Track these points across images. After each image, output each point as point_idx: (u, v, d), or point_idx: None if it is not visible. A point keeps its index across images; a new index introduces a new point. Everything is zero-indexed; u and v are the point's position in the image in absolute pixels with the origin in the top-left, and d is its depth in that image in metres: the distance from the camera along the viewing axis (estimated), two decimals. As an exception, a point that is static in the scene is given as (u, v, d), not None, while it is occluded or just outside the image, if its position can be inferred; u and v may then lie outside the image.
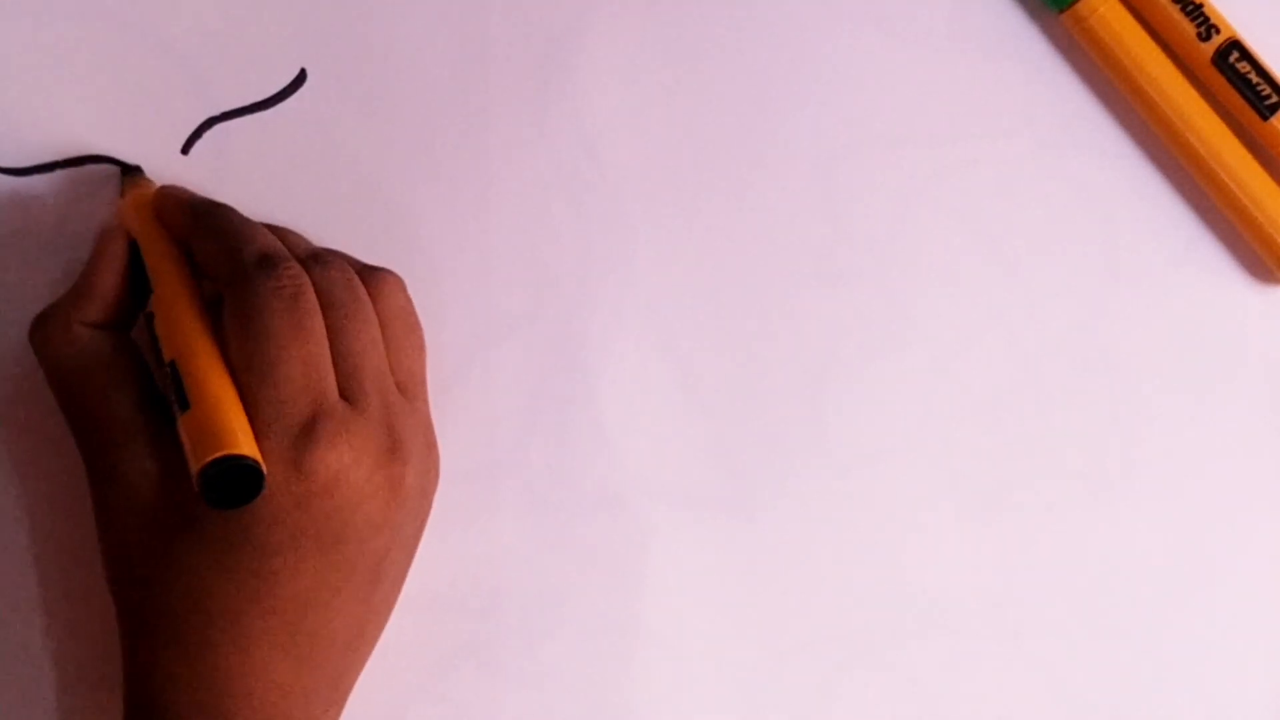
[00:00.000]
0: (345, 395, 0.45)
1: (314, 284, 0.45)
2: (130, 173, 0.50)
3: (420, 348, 0.48)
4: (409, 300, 0.48)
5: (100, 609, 0.49)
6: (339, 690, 0.47)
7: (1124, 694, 0.52)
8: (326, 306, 0.45)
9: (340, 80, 0.52)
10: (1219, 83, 0.52)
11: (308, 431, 0.43)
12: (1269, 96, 0.51)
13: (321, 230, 0.51)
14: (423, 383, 0.49)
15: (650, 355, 0.52)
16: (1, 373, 0.50)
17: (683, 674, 0.51)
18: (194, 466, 0.41)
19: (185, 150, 0.51)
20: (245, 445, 0.42)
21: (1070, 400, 0.52)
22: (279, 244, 0.46)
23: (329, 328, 0.45)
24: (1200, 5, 0.51)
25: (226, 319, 0.44)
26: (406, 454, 0.45)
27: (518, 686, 0.50)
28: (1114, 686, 0.52)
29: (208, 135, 0.51)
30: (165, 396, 0.45)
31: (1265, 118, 0.51)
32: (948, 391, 0.52)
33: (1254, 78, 0.51)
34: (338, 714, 0.48)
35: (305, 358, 0.44)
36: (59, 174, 0.51)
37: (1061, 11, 0.52)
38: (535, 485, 0.51)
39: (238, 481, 0.41)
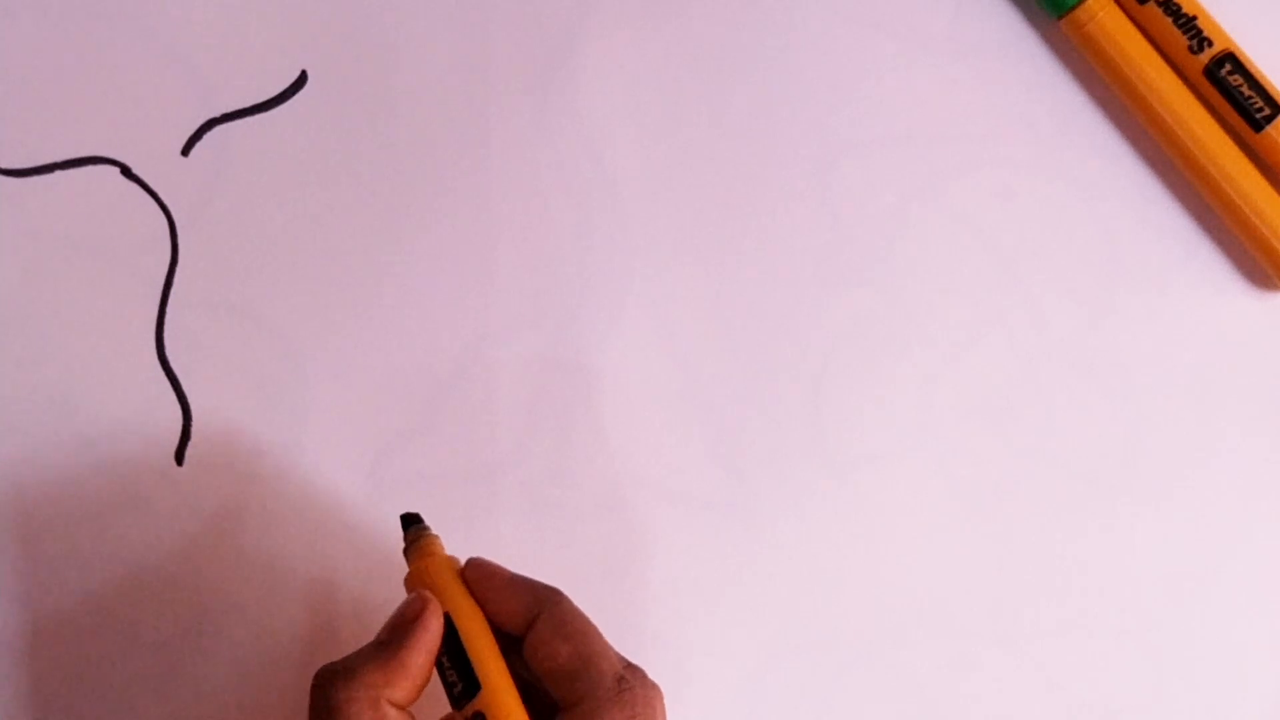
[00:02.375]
0: None
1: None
2: (412, 525, 0.46)
3: None
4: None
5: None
6: None
7: (1124, 695, 0.52)
8: None
9: (341, 82, 0.52)
10: (1212, 94, 0.52)
11: None
12: (1260, 109, 0.52)
13: (322, 231, 0.51)
14: None
15: (650, 355, 0.53)
16: (6, 376, 0.50)
17: (683, 674, 0.52)
18: None
19: (186, 151, 0.51)
20: None
21: (1070, 404, 0.53)
22: (620, 656, 0.44)
23: None
24: (1194, 18, 0.52)
25: None
26: None
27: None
28: (1114, 687, 0.52)
29: (208, 136, 0.51)
30: None
31: (1258, 130, 0.52)
32: (947, 393, 0.53)
33: (1245, 90, 0.52)
34: None
35: None
36: (60, 175, 0.51)
37: (1060, 17, 0.52)
38: (535, 485, 0.52)
39: None
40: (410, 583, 0.45)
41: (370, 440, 0.51)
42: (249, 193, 0.51)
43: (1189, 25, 0.52)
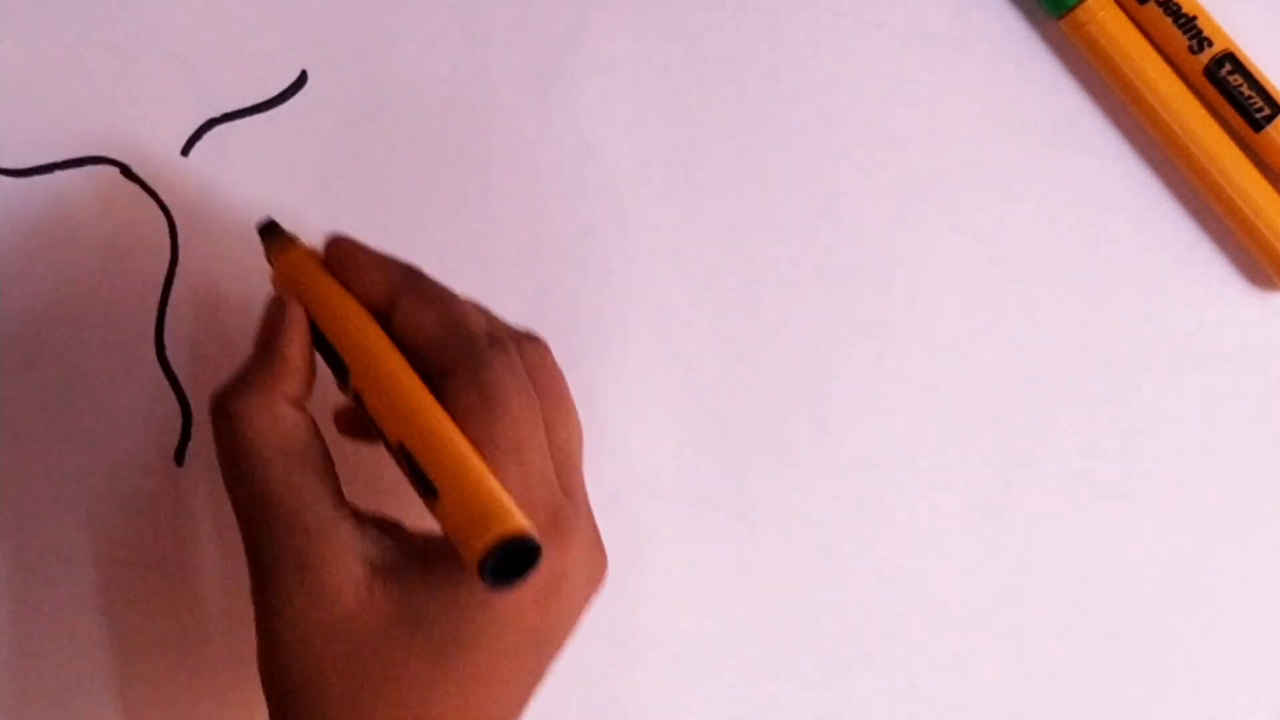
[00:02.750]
0: (560, 487, 0.42)
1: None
2: (272, 231, 0.45)
3: (581, 434, 0.45)
4: (562, 375, 0.45)
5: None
6: None
7: (1124, 695, 0.53)
8: (537, 391, 0.42)
9: (341, 82, 0.52)
10: (1212, 93, 0.52)
11: (552, 526, 0.40)
12: (1260, 109, 0.52)
13: (321, 231, 0.51)
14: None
15: (650, 355, 0.53)
16: (5, 375, 0.50)
17: (682, 675, 0.52)
18: (469, 552, 0.37)
19: (186, 151, 0.51)
20: (521, 521, 0.38)
21: (1070, 405, 0.53)
22: (492, 318, 0.43)
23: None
24: (1194, 18, 0.52)
25: (459, 397, 0.40)
26: (605, 555, 0.43)
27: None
28: (1114, 688, 0.52)
29: (208, 136, 0.51)
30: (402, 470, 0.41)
31: (1257, 130, 0.52)
32: (947, 394, 0.53)
33: (1245, 90, 0.52)
34: None
35: (543, 445, 0.41)
36: (60, 175, 0.51)
37: (1060, 17, 0.53)
38: (536, 485, 0.52)
39: (509, 557, 0.37)
40: (275, 285, 0.44)
41: (370, 440, 0.51)
42: (249, 192, 0.51)
43: (1189, 25, 0.52)
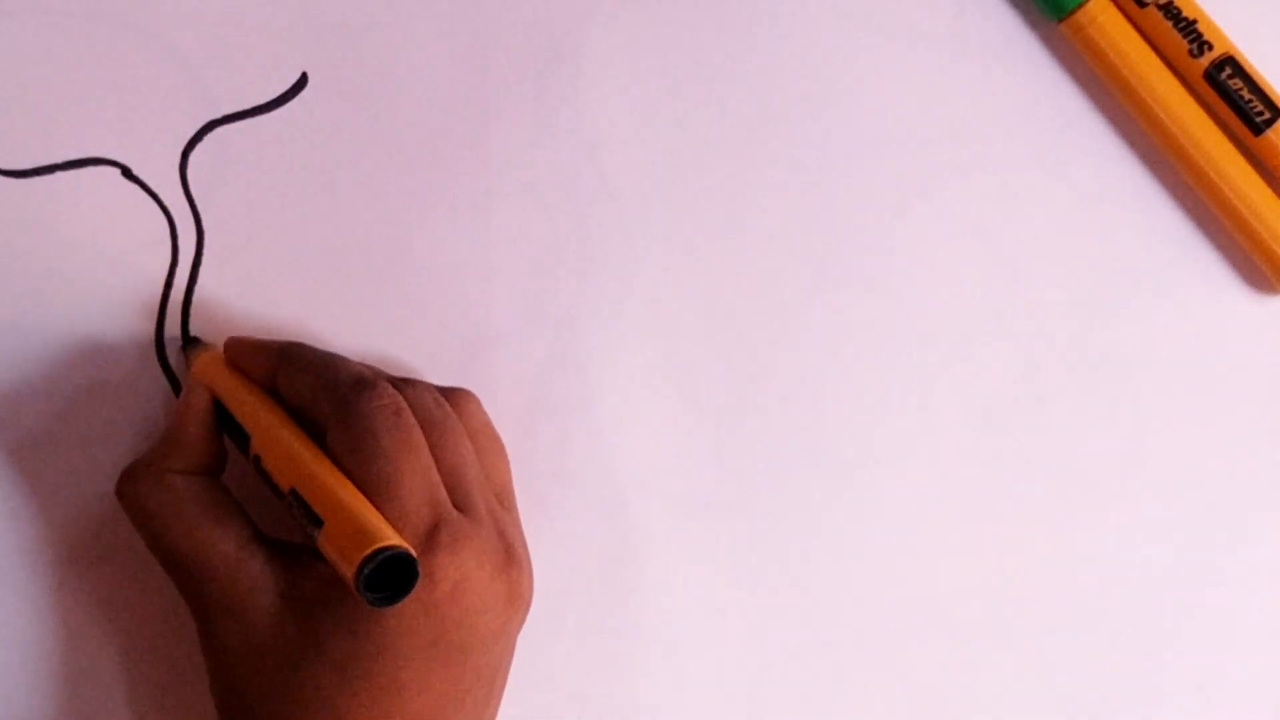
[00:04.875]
0: (455, 505, 0.45)
1: (407, 403, 0.46)
2: (191, 344, 0.51)
3: (507, 461, 0.50)
4: (487, 416, 0.49)
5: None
6: None
7: (1124, 695, 0.53)
8: (423, 424, 0.46)
9: (341, 84, 0.52)
10: (1212, 97, 0.52)
11: (431, 541, 0.44)
12: (1261, 113, 0.52)
13: (322, 233, 0.51)
14: (513, 494, 0.50)
15: (650, 357, 0.53)
16: (5, 376, 0.51)
17: (682, 675, 0.52)
18: (347, 571, 0.41)
19: (186, 153, 0.51)
20: (393, 538, 0.41)
21: (1069, 407, 0.53)
22: (367, 367, 0.48)
23: (429, 444, 0.45)
24: (1194, 21, 0.52)
25: (335, 444, 0.45)
26: (520, 560, 0.46)
27: (516, 687, 0.51)
28: (1114, 689, 0.53)
29: (208, 139, 0.51)
30: (290, 523, 0.45)
31: (1257, 133, 0.52)
32: (946, 396, 0.53)
33: (1245, 94, 0.52)
34: None
35: (420, 469, 0.44)
36: (60, 176, 0.51)
37: (1060, 20, 0.53)
38: (534, 486, 0.52)
39: (392, 576, 0.41)
40: (189, 382, 0.49)
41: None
42: (249, 195, 0.51)
43: (1189, 29, 0.52)
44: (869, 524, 0.53)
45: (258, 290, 0.51)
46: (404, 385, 0.47)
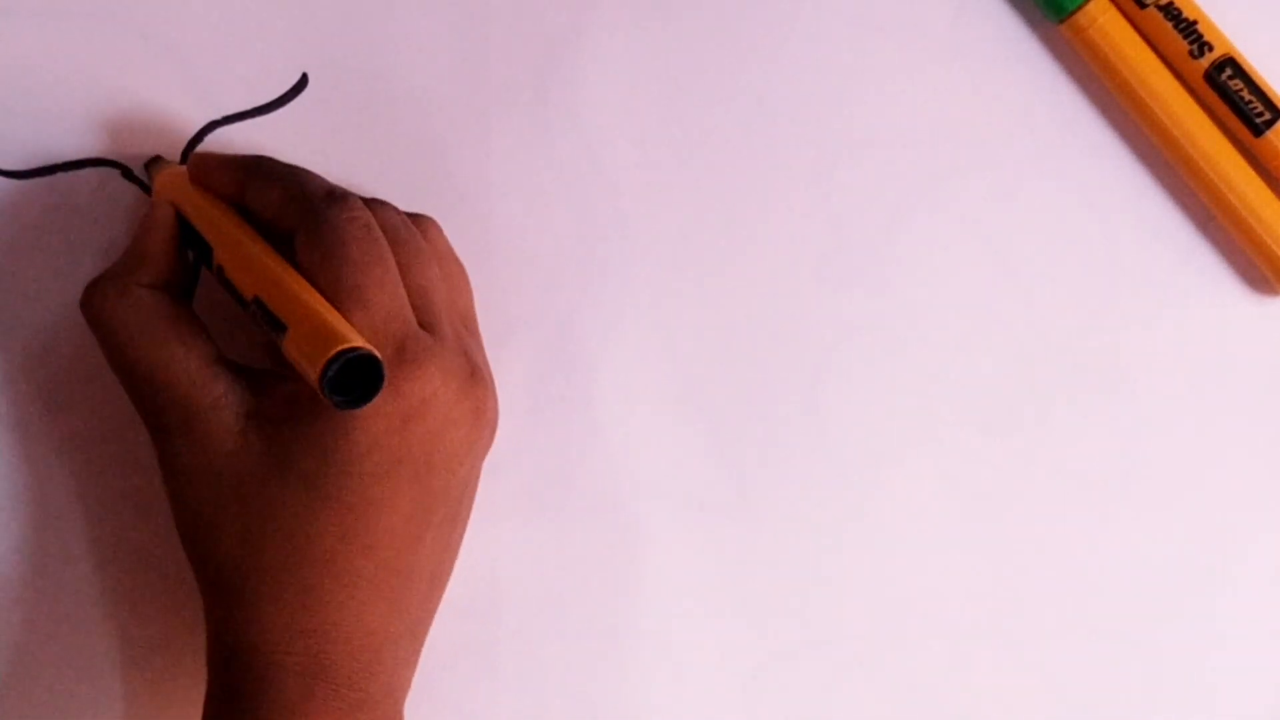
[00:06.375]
0: (421, 325, 0.45)
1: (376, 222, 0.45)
2: (153, 163, 0.50)
3: (469, 286, 0.50)
4: (449, 243, 0.49)
5: (155, 580, 0.50)
6: (416, 641, 0.47)
7: (1124, 696, 0.53)
8: (391, 244, 0.45)
9: (341, 85, 0.52)
10: (1212, 98, 0.52)
11: (399, 354, 0.43)
12: (1261, 114, 0.52)
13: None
14: (476, 320, 0.50)
15: (649, 357, 0.53)
16: (8, 374, 0.50)
17: (680, 675, 0.52)
18: (312, 372, 0.40)
19: (186, 153, 0.51)
20: (359, 340, 0.41)
21: (1069, 408, 0.53)
22: (336, 185, 0.47)
23: (397, 263, 0.45)
24: (1194, 22, 0.52)
25: (304, 254, 0.44)
26: (485, 380, 0.46)
27: (515, 687, 0.51)
28: (1113, 690, 0.53)
29: (209, 139, 0.51)
30: (256, 331, 0.45)
31: (1258, 134, 0.52)
32: (946, 396, 0.53)
33: (1245, 95, 0.52)
34: (413, 672, 0.47)
35: (388, 283, 0.44)
36: (60, 177, 0.51)
37: (1060, 21, 0.52)
38: (534, 486, 0.52)
39: (357, 382, 0.41)
40: (153, 201, 0.49)
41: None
42: (249, 194, 0.51)
43: (1189, 30, 0.52)
44: (868, 524, 0.53)
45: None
46: (373, 204, 0.47)
